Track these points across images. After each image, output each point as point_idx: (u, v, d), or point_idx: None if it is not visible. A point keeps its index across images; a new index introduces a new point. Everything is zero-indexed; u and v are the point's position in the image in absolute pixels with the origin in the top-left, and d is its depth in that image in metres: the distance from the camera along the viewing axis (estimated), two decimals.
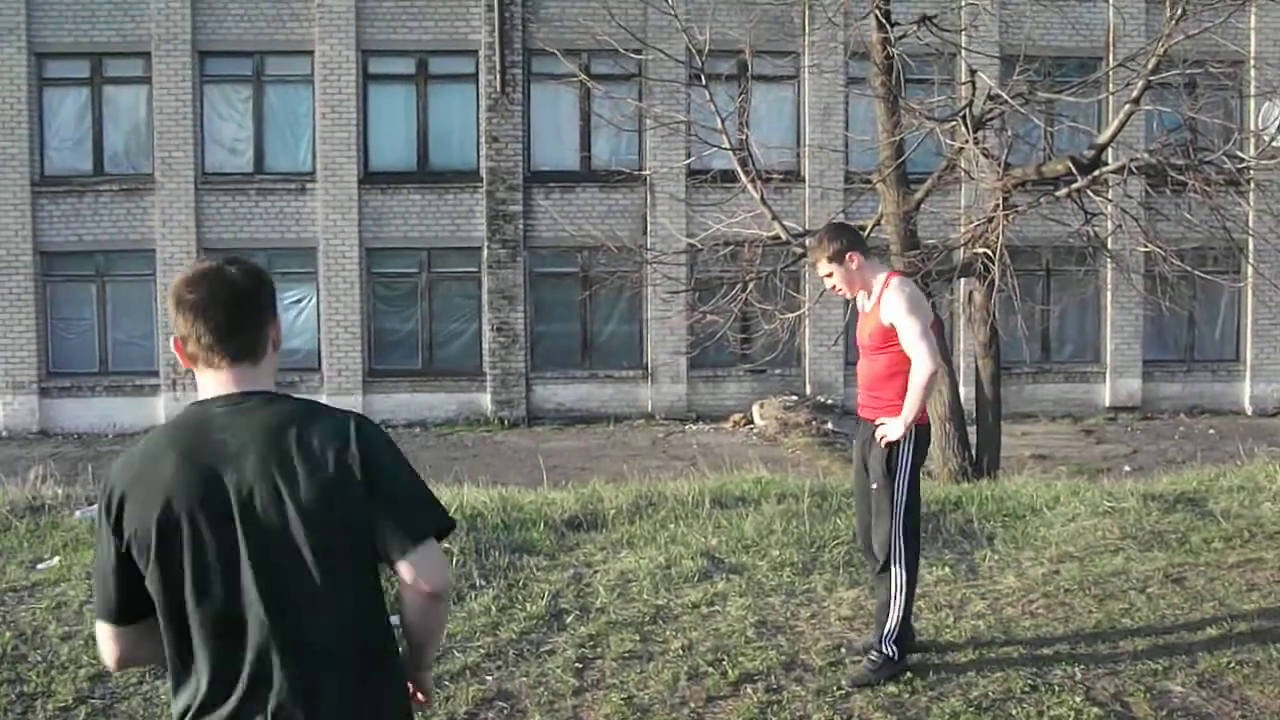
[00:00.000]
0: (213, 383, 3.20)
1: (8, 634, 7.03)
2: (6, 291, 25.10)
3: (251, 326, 3.21)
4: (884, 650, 6.32)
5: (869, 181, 16.45)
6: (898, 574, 6.33)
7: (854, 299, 6.66)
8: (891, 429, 6.28)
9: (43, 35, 25.07)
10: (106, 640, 3.25)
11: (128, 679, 6.30)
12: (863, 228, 15.32)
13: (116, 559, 3.12)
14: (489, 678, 6.39)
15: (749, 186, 14.88)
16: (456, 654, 6.64)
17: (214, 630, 3.08)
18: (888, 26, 14.49)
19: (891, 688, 6.11)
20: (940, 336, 6.44)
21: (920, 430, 6.42)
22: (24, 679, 6.41)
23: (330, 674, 3.10)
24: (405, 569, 3.10)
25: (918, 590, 6.80)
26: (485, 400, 25.63)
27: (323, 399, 24.76)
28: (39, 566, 8.43)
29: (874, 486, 6.42)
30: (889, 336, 6.33)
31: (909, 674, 6.26)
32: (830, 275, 6.48)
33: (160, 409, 25.20)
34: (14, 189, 25.04)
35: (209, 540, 3.06)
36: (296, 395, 3.34)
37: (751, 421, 24.78)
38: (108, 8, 25.13)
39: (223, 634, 3.08)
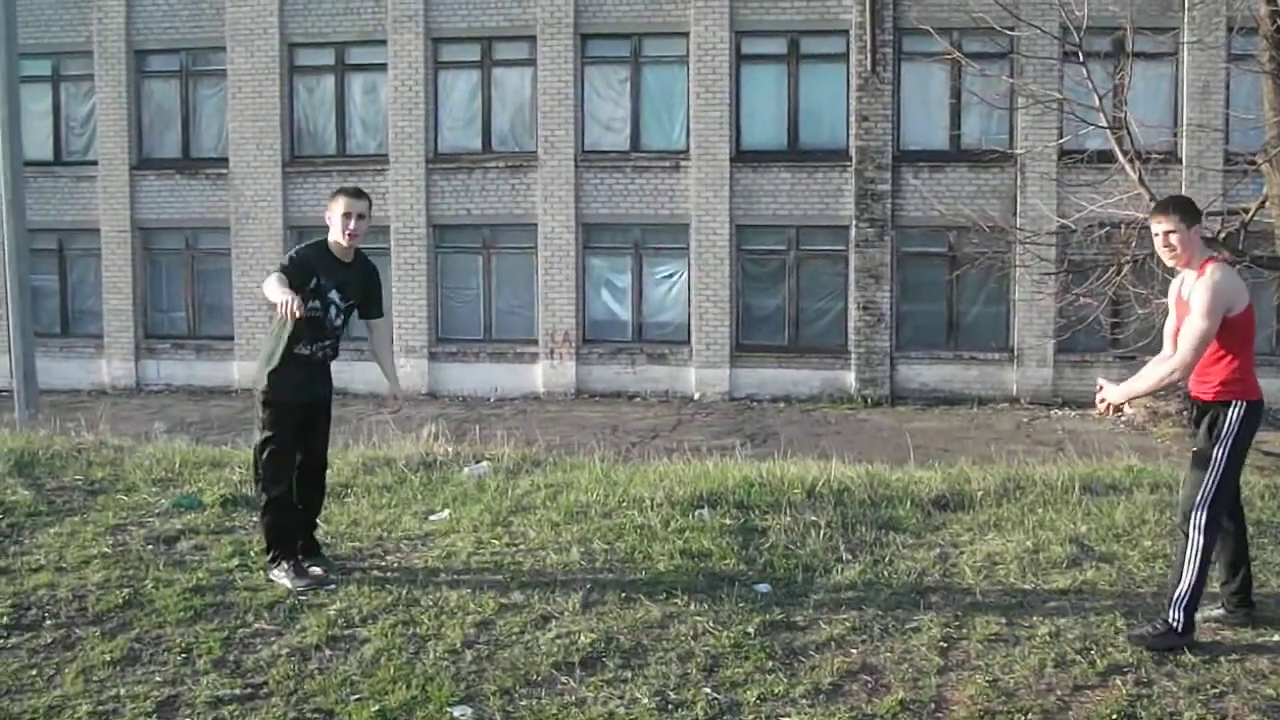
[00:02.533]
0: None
1: (402, 579, 7.61)
2: (403, 261, 26.75)
3: None
4: (1171, 617, 6.41)
5: (1252, 162, 15.71)
6: (1195, 539, 6.41)
7: (1175, 276, 6.75)
8: (1110, 392, 6.76)
9: (438, 21, 26.58)
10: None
11: (510, 628, 6.76)
12: (1246, 210, 14.72)
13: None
14: (854, 650, 6.50)
15: (1126, 166, 14.45)
16: (822, 625, 6.81)
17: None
18: None
19: (1269, 690, 5.92)
20: (1252, 326, 6.50)
21: (1252, 404, 6.48)
22: (416, 621, 6.89)
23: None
24: None
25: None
26: (849, 378, 25.69)
27: (691, 372, 25.51)
28: (431, 518, 9.04)
29: (1195, 449, 6.51)
30: None
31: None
32: (1173, 233, 6.53)
33: (539, 376, 26.39)
34: (411, 165, 26.67)
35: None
36: None
37: (1120, 409, 23.94)
38: None
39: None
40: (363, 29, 26.93)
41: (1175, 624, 6.42)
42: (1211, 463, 6.43)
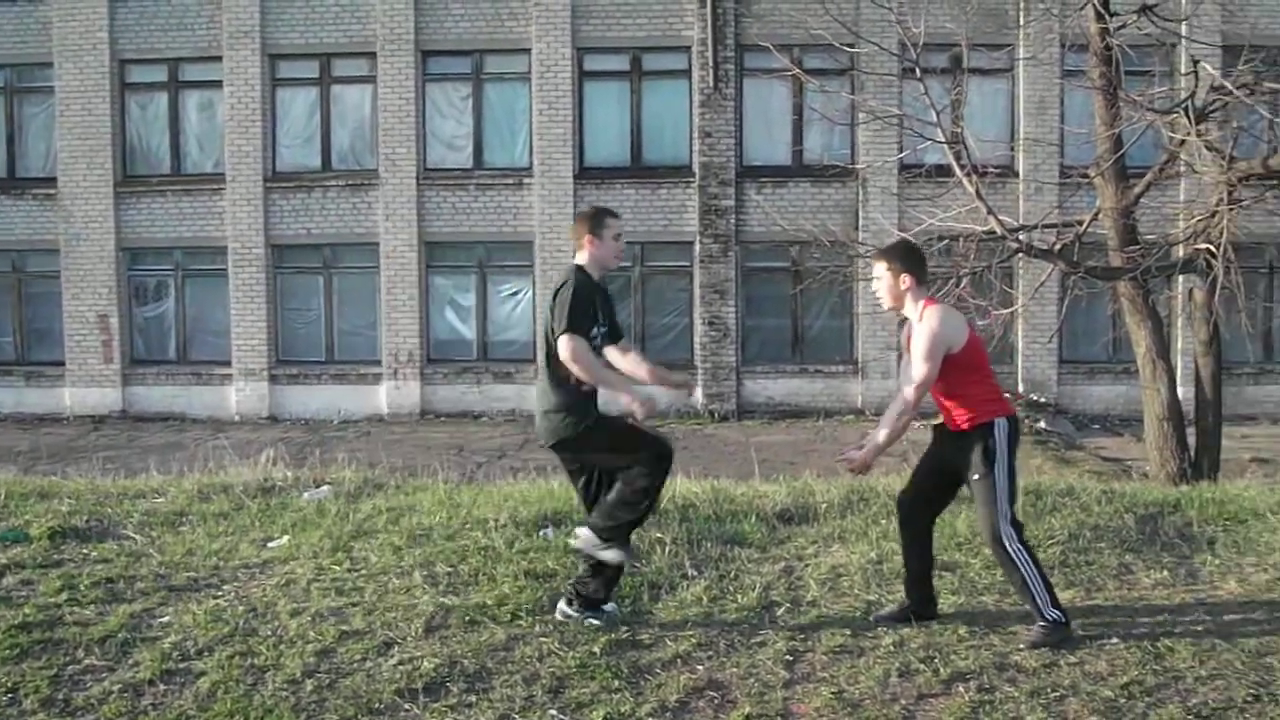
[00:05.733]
0: None
1: (240, 608, 7.40)
2: (240, 283, 26.26)
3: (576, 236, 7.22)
4: (1046, 618, 6.65)
5: (1086, 176, 16.13)
6: (1016, 552, 6.69)
7: (895, 312, 7.07)
8: (855, 456, 6.99)
9: (275, 37, 26.18)
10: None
11: (351, 655, 6.62)
12: (1080, 222, 15.10)
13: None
14: (700, 667, 6.48)
15: (963, 180, 14.71)
16: (668, 642, 6.76)
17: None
18: (1107, 17, 14.20)
19: (1107, 692, 6.03)
20: (983, 353, 7.01)
21: (1012, 420, 6.85)
22: (255, 652, 6.70)
23: None
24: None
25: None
26: (696, 393, 25.81)
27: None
28: (270, 545, 8.84)
29: (975, 478, 6.76)
30: None
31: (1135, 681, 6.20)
32: (879, 279, 6.93)
33: (383, 397, 26.08)
34: (248, 184, 26.20)
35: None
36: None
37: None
38: (336, 10, 26.10)
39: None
40: (197, 45, 26.38)
41: (1055, 619, 6.67)
42: (995, 485, 6.70)
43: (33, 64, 26.92)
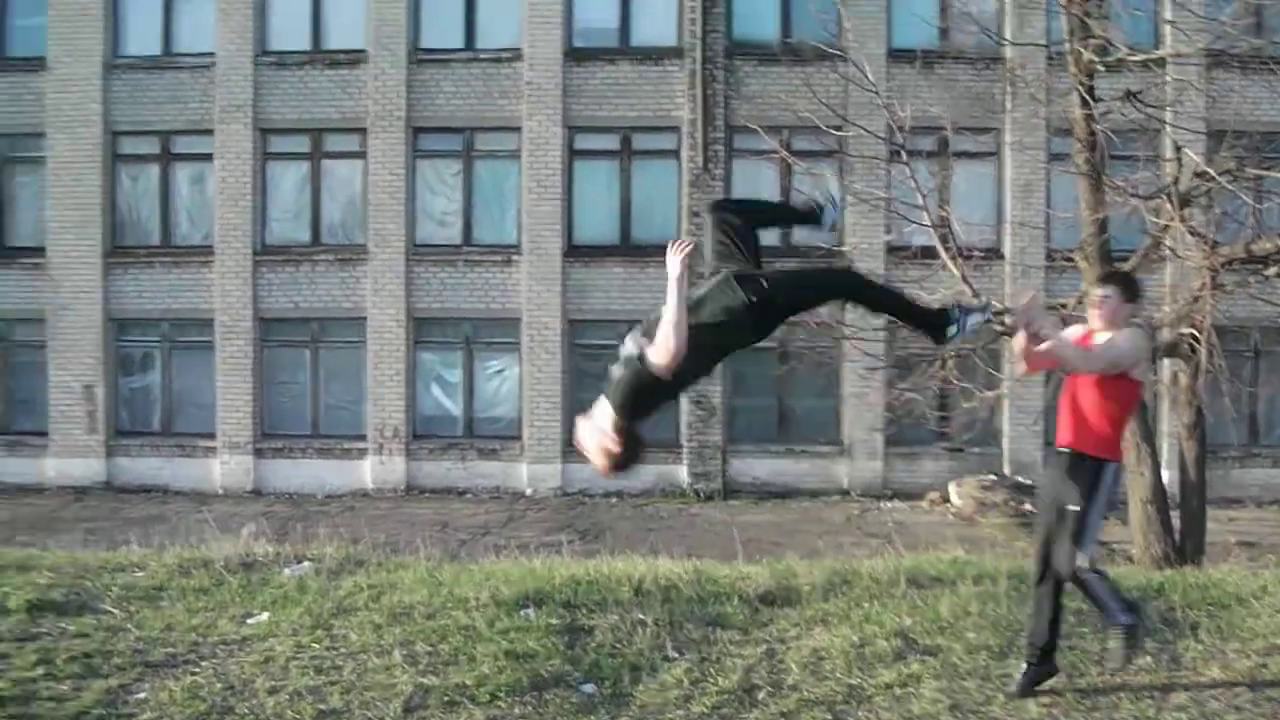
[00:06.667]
0: None
1: (217, 685, 7.32)
2: (228, 355, 26.21)
3: None
4: (1122, 621, 7.01)
5: (1071, 259, 16.20)
6: (1086, 577, 6.98)
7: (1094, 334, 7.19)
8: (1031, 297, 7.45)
9: (268, 112, 26.32)
10: None
11: None
12: (1065, 305, 15.16)
13: None
14: None
15: (949, 263, 14.77)
16: None
17: None
18: (1091, 102, 14.32)
19: None
20: (1140, 396, 7.38)
21: (1118, 469, 7.15)
22: None
23: None
24: None
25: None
26: (682, 472, 25.74)
27: (523, 468, 25.29)
28: (249, 621, 8.73)
29: (1070, 507, 6.94)
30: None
31: None
32: (1107, 299, 7.16)
33: (367, 472, 25.94)
34: (238, 257, 26.22)
35: None
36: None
37: (948, 500, 24.39)
38: (328, 86, 26.27)
39: None
40: (189, 118, 26.51)
41: (1131, 621, 7.03)
42: (1086, 521, 6.96)
43: (25, 134, 26.97)
